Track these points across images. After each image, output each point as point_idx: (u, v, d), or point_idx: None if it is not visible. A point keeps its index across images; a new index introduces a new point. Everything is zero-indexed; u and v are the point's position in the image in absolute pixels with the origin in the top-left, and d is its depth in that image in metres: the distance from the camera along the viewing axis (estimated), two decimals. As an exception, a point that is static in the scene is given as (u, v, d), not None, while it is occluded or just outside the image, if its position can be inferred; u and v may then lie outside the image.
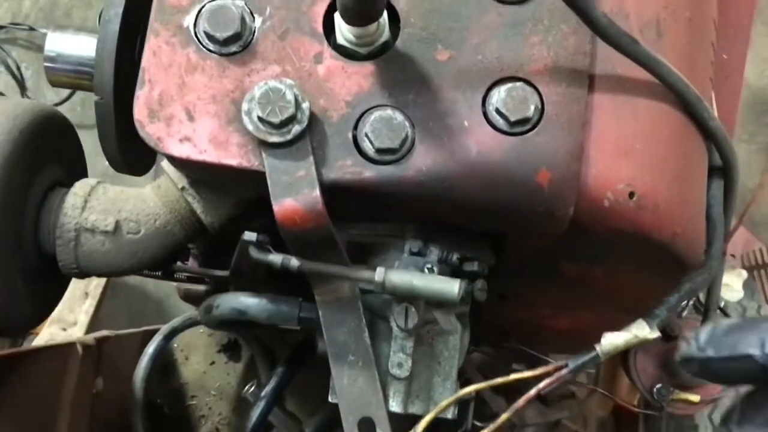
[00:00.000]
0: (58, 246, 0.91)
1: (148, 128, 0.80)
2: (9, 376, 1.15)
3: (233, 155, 0.80)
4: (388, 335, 0.90)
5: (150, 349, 1.52)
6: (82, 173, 1.04)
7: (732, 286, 1.66)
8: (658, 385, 1.57)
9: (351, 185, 0.80)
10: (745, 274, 1.72)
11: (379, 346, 0.91)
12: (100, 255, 0.91)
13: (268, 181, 0.78)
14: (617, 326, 0.87)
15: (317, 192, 0.78)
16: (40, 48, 2.57)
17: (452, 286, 0.79)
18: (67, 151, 1.02)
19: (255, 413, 1.28)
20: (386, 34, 0.81)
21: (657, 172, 0.84)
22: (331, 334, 0.88)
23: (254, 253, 0.86)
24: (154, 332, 1.63)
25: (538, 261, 0.99)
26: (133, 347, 1.59)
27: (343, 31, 0.80)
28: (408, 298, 0.85)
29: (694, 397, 1.57)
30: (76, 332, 1.73)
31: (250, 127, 0.77)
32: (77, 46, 1.02)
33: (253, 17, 0.82)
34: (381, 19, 0.79)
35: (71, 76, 1.03)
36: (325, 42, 0.82)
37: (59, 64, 1.03)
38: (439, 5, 0.82)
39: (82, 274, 0.94)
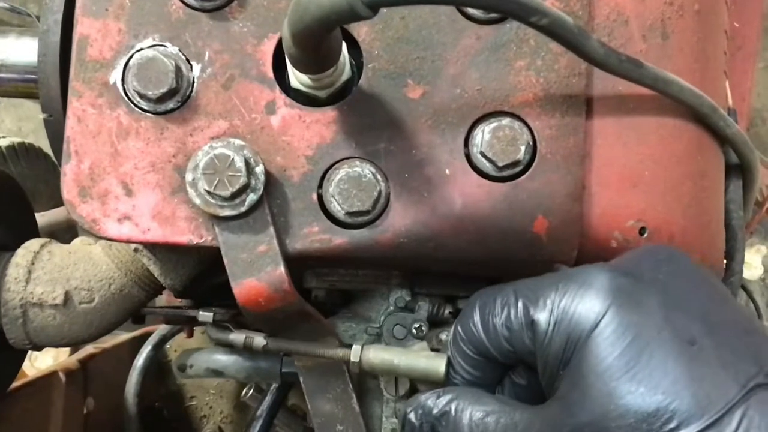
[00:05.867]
0: (5, 324, 0.81)
1: (80, 209, 0.68)
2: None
3: (182, 231, 0.69)
4: (379, 393, 0.81)
5: (139, 362, 1.45)
6: (30, 233, 0.93)
7: (751, 263, 1.55)
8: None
9: (320, 254, 0.69)
10: (764, 250, 1.61)
11: (370, 405, 0.82)
12: (54, 329, 0.81)
13: (225, 260, 0.68)
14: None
15: (282, 269, 0.67)
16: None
17: (438, 365, 0.69)
18: (11, 211, 0.90)
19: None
20: (347, 72, 0.69)
21: (671, 198, 0.74)
22: (315, 402, 0.79)
23: (213, 333, 0.77)
24: (141, 337, 1.55)
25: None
26: (123, 358, 1.51)
27: (297, 74, 0.68)
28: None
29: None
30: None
31: (197, 201, 0.66)
32: (22, 51, 0.92)
33: (191, 65, 0.69)
34: (340, 56, 0.67)
35: (19, 86, 0.93)
36: (277, 87, 0.70)
37: (4, 73, 0.93)
38: (406, 32, 0.70)
39: (38, 348, 0.84)
